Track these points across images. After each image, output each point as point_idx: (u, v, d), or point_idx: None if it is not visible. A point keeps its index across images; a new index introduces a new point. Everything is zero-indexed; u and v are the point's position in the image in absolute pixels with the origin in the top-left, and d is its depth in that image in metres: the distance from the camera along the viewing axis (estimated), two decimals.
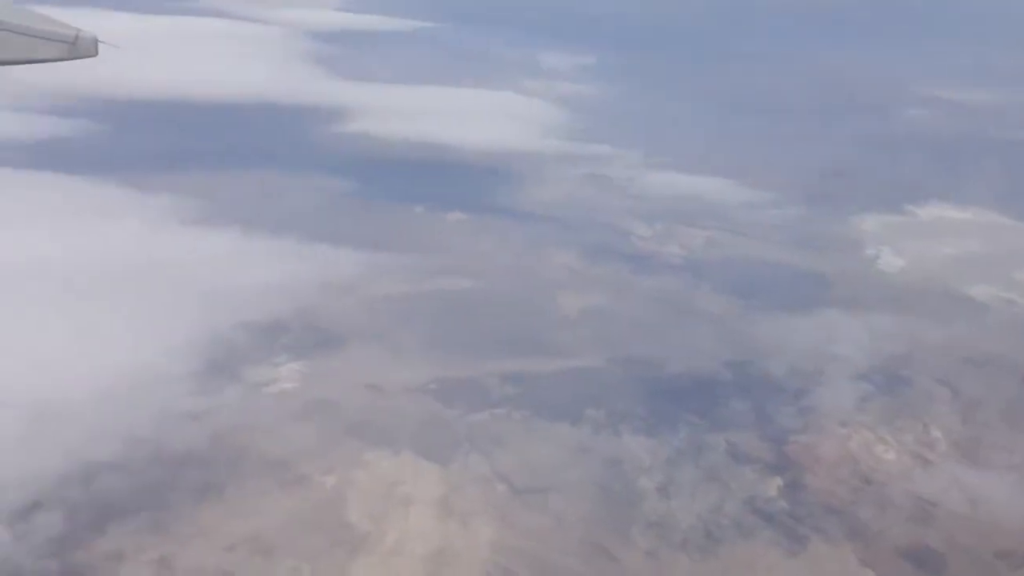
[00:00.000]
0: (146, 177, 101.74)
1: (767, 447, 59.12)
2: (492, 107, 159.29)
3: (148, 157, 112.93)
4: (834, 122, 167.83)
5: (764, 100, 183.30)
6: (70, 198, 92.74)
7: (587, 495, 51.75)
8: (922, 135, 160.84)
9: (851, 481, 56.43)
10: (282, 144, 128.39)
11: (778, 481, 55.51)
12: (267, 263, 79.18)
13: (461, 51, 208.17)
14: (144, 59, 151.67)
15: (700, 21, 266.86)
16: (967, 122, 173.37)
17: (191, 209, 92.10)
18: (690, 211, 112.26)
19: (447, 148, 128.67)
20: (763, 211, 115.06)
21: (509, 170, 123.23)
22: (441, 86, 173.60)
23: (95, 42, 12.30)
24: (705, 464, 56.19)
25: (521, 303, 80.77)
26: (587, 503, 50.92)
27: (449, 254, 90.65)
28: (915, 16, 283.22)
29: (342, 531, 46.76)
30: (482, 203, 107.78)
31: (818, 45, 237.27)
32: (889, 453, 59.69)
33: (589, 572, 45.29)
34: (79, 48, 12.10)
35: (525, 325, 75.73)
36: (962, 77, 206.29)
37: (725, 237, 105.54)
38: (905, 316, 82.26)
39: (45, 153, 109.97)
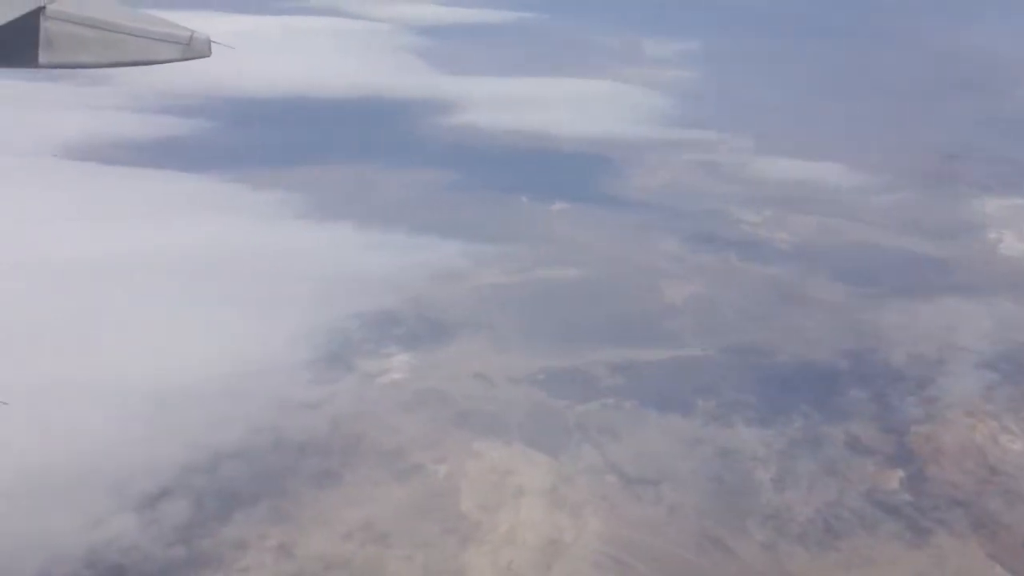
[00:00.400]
0: (258, 173, 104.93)
1: (887, 438, 57.13)
2: (595, 95, 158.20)
3: (260, 153, 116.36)
4: (952, 102, 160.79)
5: (877, 80, 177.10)
6: (186, 194, 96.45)
7: (700, 486, 50.96)
8: None
9: (977, 472, 54.05)
10: (389, 138, 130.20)
11: (899, 473, 53.62)
12: (377, 255, 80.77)
13: (562, 40, 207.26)
14: (254, 57, 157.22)
15: (806, 2, 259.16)
16: None
17: (303, 203, 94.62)
18: (800, 196, 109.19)
19: (550, 138, 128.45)
20: (877, 195, 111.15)
21: (613, 158, 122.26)
22: (543, 76, 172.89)
23: (208, 42, 12.34)
24: (822, 456, 54.66)
25: (627, 292, 80.00)
26: (700, 494, 50.13)
27: (553, 244, 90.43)
28: None
29: (455, 520, 47.18)
30: (586, 192, 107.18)
31: (933, 22, 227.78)
32: (1016, 443, 56.97)
33: (704, 564, 44.58)
34: (193, 48, 12.20)
35: (631, 314, 75.01)
36: None
37: (837, 223, 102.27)
38: None
39: (162, 151, 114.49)
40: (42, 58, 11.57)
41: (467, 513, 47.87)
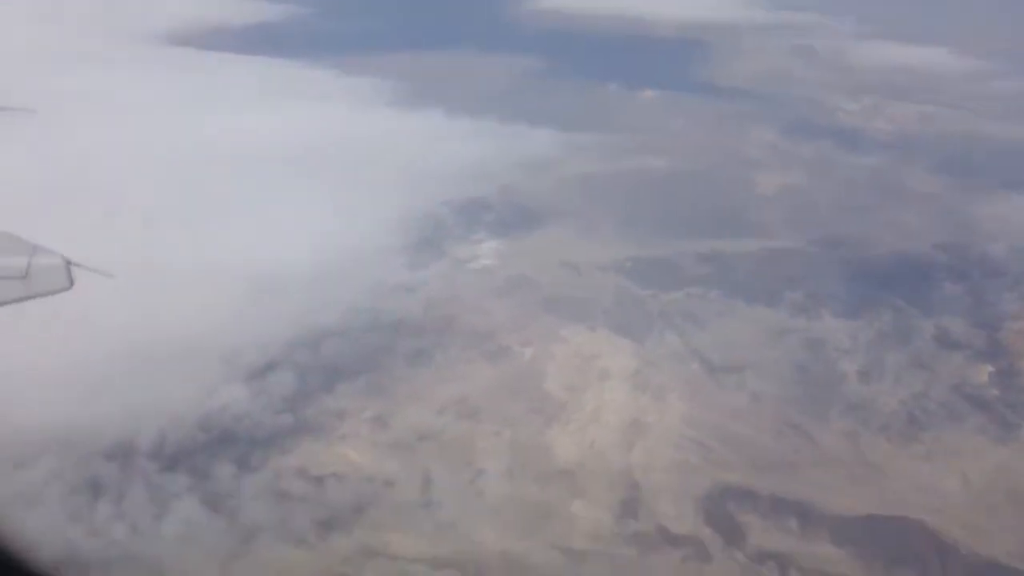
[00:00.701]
0: (349, 59, 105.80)
1: (979, 333, 56.40)
2: None
3: (350, 39, 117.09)
4: None
5: None
6: (282, 80, 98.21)
7: (784, 375, 51.42)
8: None
9: None
10: (477, 23, 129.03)
11: (989, 368, 53.04)
12: (468, 142, 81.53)
13: None
14: None
15: None
16: None
17: (394, 91, 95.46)
18: (901, 84, 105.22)
19: (641, 21, 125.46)
20: (984, 82, 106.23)
21: (706, 43, 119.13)
22: None
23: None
24: (910, 349, 54.38)
25: (717, 182, 79.26)
26: (784, 383, 50.63)
27: (643, 132, 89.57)
28: None
29: (541, 400, 48.75)
30: (677, 79, 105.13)
31: None
32: None
33: (783, 450, 45.39)
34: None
35: (721, 205, 74.46)
36: None
37: (940, 111, 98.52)
38: None
39: (256, 37, 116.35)
40: None
41: (552, 394, 49.37)
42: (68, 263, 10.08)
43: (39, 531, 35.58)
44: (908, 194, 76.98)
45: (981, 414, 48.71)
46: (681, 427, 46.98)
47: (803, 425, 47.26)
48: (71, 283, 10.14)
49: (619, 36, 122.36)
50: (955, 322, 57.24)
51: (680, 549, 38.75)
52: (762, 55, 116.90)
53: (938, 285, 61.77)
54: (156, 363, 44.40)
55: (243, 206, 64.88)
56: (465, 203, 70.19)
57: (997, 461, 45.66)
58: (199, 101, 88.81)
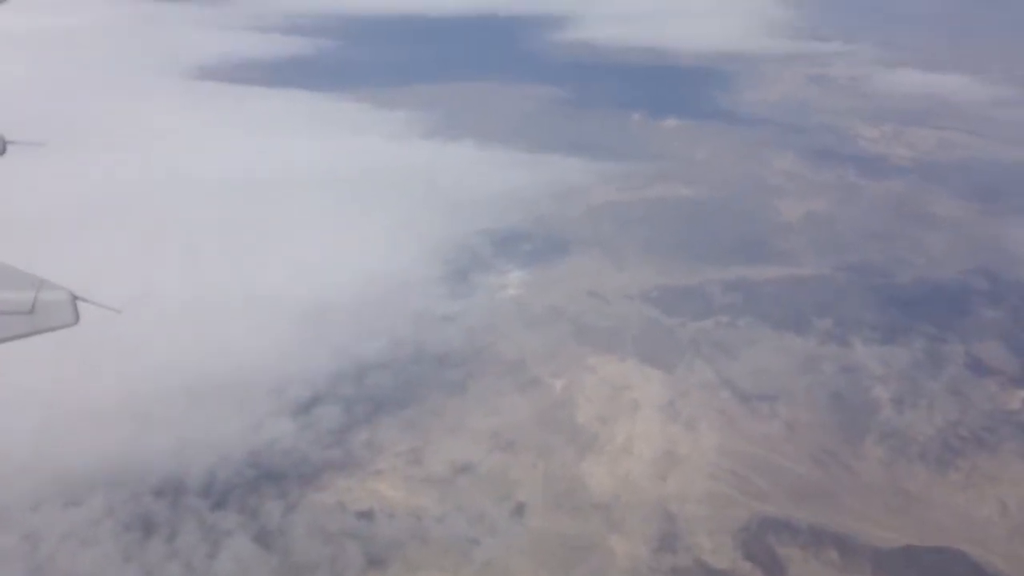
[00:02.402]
0: (381, 91, 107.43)
1: (1011, 358, 55.95)
2: (710, 7, 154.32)
3: (380, 72, 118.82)
4: None
5: None
6: (316, 113, 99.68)
7: (817, 403, 51.16)
8: None
9: None
10: (504, 54, 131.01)
11: (1021, 394, 52.60)
12: (498, 172, 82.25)
13: None
14: None
15: None
16: None
17: (427, 122, 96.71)
18: (921, 110, 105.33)
19: (664, 52, 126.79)
20: (1005, 109, 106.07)
21: (728, 72, 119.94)
22: None
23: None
24: (943, 375, 54.01)
25: (741, 209, 79.31)
26: (817, 412, 50.37)
27: (667, 161, 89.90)
28: None
29: (573, 431, 48.72)
30: (699, 108, 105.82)
31: None
32: None
33: (820, 479, 45.10)
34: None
35: (746, 232, 74.47)
36: None
37: (960, 137, 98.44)
38: None
39: (288, 70, 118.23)
40: None
41: (584, 425, 49.32)
42: (74, 298, 9.86)
43: (95, 571, 35.86)
44: (932, 219, 76.80)
45: (1017, 441, 48.28)
46: (715, 457, 46.77)
47: (839, 454, 46.98)
48: (76, 318, 9.86)
49: (642, 66, 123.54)
50: (987, 348, 56.87)
51: None
52: (782, 83, 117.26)
53: (968, 311, 61.46)
54: (203, 396, 44.84)
55: (283, 236, 65.75)
56: (496, 232, 70.78)
57: None
58: (233, 133, 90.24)
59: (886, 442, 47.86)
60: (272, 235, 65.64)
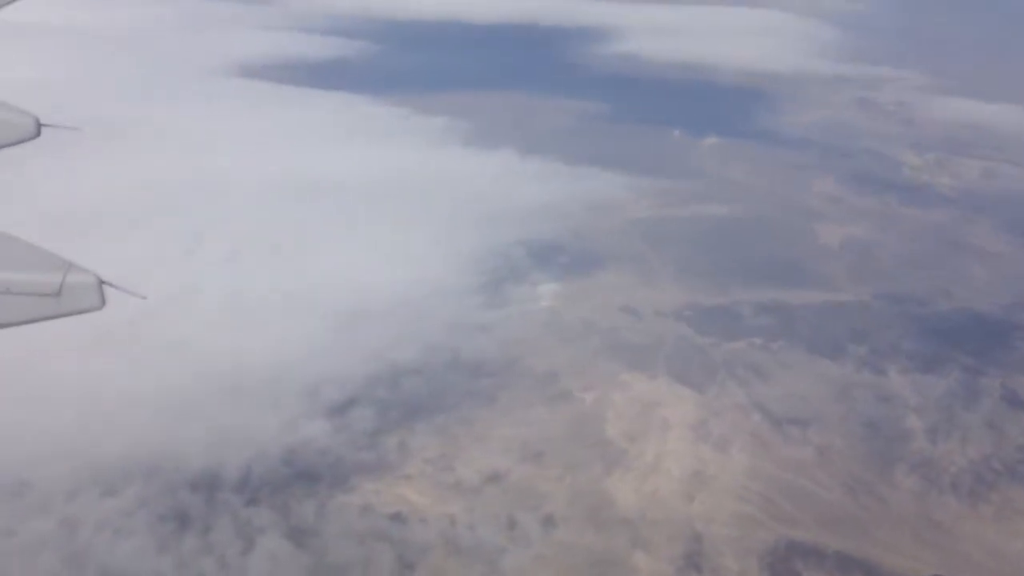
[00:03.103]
0: (422, 97, 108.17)
1: None
2: (757, 26, 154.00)
3: (422, 77, 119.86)
4: None
5: None
6: (358, 117, 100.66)
7: (850, 430, 50.77)
8: None
9: None
10: (546, 65, 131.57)
11: None
12: (535, 184, 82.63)
13: None
14: None
15: None
16: None
17: (467, 130, 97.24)
18: (966, 139, 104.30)
19: (708, 69, 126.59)
20: None
21: (771, 92, 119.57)
22: (705, 5, 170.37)
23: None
24: (978, 407, 53.41)
25: (778, 231, 78.92)
26: (850, 438, 49.98)
27: (705, 179, 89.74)
28: None
29: (602, 446, 48.73)
30: (740, 127, 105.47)
31: None
32: None
33: (849, 506, 44.76)
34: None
35: (782, 255, 74.12)
36: None
37: (1005, 168, 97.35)
38: None
39: (331, 72, 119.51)
40: None
41: (613, 440, 49.31)
42: (101, 282, 9.70)
43: (129, 561, 36.45)
44: (974, 251, 76.03)
45: None
46: (745, 480, 46.57)
47: (870, 482, 46.60)
48: (103, 303, 9.77)
49: (684, 83, 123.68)
50: (1022, 382, 56.19)
51: None
52: (827, 106, 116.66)
53: (1007, 344, 60.79)
54: (240, 393, 45.46)
55: (322, 239, 66.57)
56: (532, 244, 71.03)
57: None
58: (276, 134, 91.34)
59: (918, 472, 47.43)
60: (311, 238, 66.51)
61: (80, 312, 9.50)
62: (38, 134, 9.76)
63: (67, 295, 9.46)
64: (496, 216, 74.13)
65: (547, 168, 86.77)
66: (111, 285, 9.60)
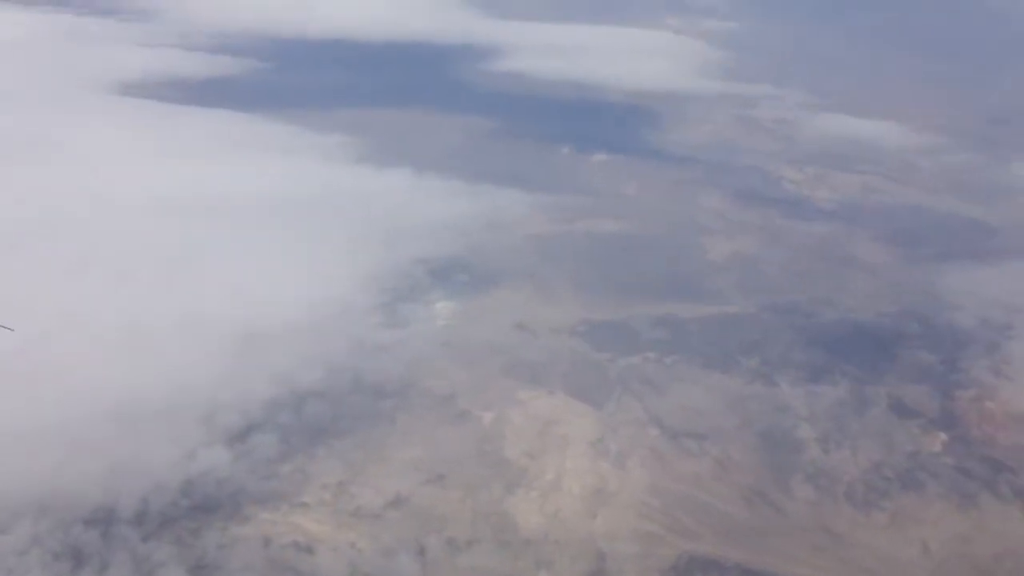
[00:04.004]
0: (311, 114, 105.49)
1: (931, 402, 57.08)
2: (641, 45, 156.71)
3: (310, 95, 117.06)
4: (1007, 64, 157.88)
5: (931, 39, 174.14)
6: (247, 134, 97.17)
7: (745, 442, 51.28)
8: None
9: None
10: (435, 83, 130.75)
11: (942, 436, 53.64)
12: (432, 201, 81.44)
13: None
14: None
15: None
16: None
17: (359, 147, 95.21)
18: (843, 154, 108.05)
19: (594, 87, 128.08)
20: (925, 156, 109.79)
21: (657, 110, 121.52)
22: (589, 23, 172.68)
23: None
24: (867, 416, 54.79)
25: (668, 246, 79.84)
26: (745, 451, 50.47)
27: (595, 195, 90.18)
28: None
29: (502, 466, 47.97)
30: (628, 144, 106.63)
31: None
32: None
33: (748, 518, 45.05)
34: None
35: (673, 269, 74.96)
36: None
37: (880, 182, 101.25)
38: None
39: (215, 90, 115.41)
40: None
41: (513, 459, 48.59)
42: None
43: None
44: (854, 262, 78.51)
45: (939, 483, 49.09)
46: (645, 495, 46.47)
47: (766, 492, 47.10)
48: None
49: (572, 100, 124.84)
50: (908, 390, 57.97)
51: None
52: (709, 123, 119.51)
53: (890, 353, 62.63)
54: (134, 422, 43.25)
55: (214, 259, 63.92)
56: (426, 261, 69.70)
57: (956, 530, 45.92)
58: (159, 152, 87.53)
59: (813, 482, 48.21)
60: (203, 259, 63.71)
61: None
62: None
63: None
64: (394, 233, 72.63)
65: (443, 185, 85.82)
66: None
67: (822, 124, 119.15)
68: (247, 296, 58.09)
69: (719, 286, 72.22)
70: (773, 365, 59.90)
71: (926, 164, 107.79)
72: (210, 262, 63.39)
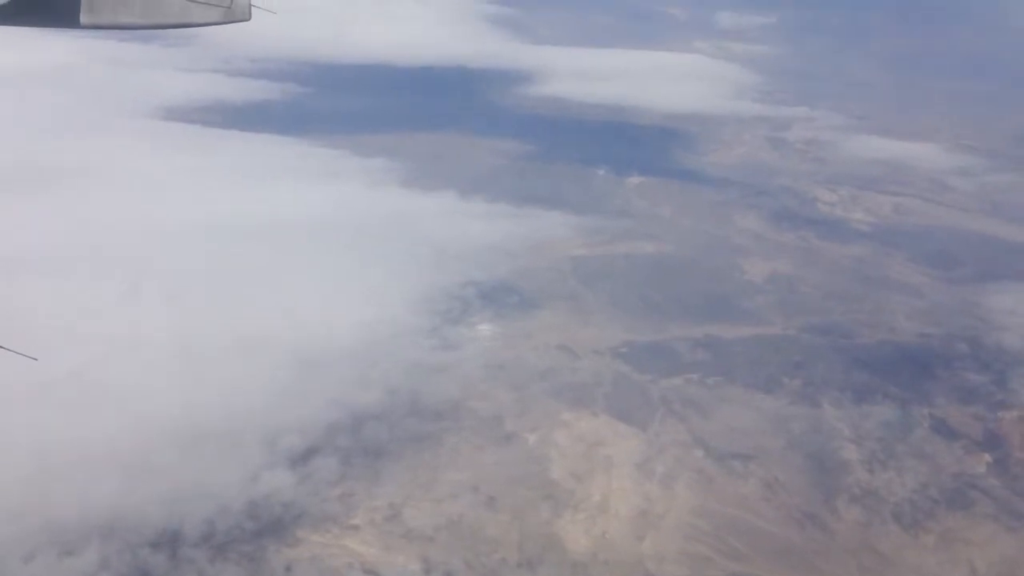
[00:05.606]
0: (355, 138, 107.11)
1: (974, 422, 57.11)
2: (676, 68, 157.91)
3: (352, 119, 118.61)
4: None
5: (962, 59, 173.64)
6: (292, 158, 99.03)
7: (790, 463, 51.59)
8: None
9: None
10: (473, 107, 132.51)
11: (987, 457, 53.67)
12: (478, 223, 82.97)
13: (643, 11, 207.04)
14: (339, 23, 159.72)
15: None
16: None
17: (403, 171, 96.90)
18: (876, 176, 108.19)
19: (630, 110, 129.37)
20: (958, 177, 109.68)
21: (692, 132, 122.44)
22: (625, 48, 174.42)
23: (249, 6, 12.15)
24: (910, 437, 54.91)
25: (706, 268, 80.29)
26: (791, 472, 50.77)
27: (632, 217, 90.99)
28: None
29: (549, 488, 48.48)
30: (663, 166, 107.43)
31: None
32: None
33: (799, 540, 45.36)
34: (234, 12, 12.06)
35: (712, 290, 75.35)
36: None
37: (915, 204, 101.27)
38: None
39: (259, 115, 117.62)
40: (83, 19, 11.30)
41: (559, 481, 49.11)
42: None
43: None
44: (893, 284, 78.58)
45: (986, 504, 49.15)
46: (692, 517, 46.84)
47: (814, 514, 47.37)
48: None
49: (608, 123, 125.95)
50: (951, 411, 58.02)
51: None
52: (744, 145, 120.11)
53: (931, 374, 62.70)
54: (195, 445, 44.01)
55: (265, 282, 65.07)
56: (479, 284, 70.85)
57: (1003, 552, 45.99)
58: (206, 176, 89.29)
59: (860, 503, 48.41)
60: (254, 282, 64.96)
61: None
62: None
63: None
64: (442, 256, 73.84)
65: (487, 208, 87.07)
66: (2, 348, 10.01)
67: (854, 145, 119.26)
68: (300, 318, 59.27)
69: (758, 307, 72.57)
70: (816, 386, 60.16)
71: (959, 184, 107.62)
72: (261, 285, 64.67)
